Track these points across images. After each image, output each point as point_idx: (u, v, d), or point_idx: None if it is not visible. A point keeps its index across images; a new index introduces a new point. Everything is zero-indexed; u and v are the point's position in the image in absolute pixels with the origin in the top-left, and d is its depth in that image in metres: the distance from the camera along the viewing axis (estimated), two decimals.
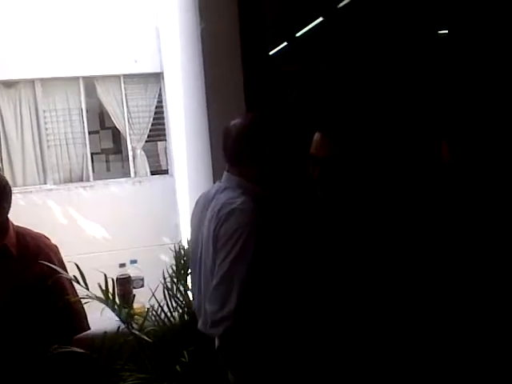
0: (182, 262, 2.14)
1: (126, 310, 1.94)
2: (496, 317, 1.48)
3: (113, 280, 1.92)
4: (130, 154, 6.87)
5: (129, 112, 6.80)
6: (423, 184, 1.68)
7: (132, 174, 6.88)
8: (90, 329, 1.93)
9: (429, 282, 1.50)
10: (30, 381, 1.76)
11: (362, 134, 1.60)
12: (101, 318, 1.96)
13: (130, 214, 6.32)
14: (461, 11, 3.61)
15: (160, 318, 1.98)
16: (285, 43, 4.15)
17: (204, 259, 1.57)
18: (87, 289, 1.80)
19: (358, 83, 3.69)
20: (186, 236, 2.07)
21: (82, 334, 1.90)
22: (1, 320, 1.74)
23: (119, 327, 1.91)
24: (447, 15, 3.76)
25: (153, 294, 2.00)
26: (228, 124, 1.61)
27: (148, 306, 2.04)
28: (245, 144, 1.56)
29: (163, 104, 6.77)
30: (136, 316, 1.99)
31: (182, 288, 2.08)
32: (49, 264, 1.77)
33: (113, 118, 6.79)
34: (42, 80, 6.48)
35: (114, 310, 1.89)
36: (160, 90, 6.79)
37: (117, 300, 1.92)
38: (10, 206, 1.85)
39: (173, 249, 2.17)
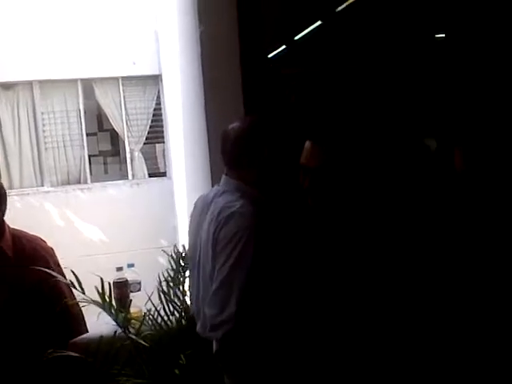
0: (180, 265, 2.13)
1: (123, 314, 1.92)
2: (496, 317, 1.47)
3: (109, 284, 1.90)
4: (128, 156, 6.85)
5: (127, 114, 6.79)
6: (434, 192, 1.67)
7: (130, 177, 6.86)
8: (87, 332, 1.92)
9: (428, 292, 1.49)
10: None
11: (353, 142, 1.57)
12: (97, 323, 1.95)
13: (127, 217, 6.30)
14: (463, 14, 3.60)
15: (157, 322, 1.97)
16: (283, 46, 4.15)
17: (203, 263, 1.57)
18: (83, 293, 1.79)
19: (353, 89, 3.68)
20: (183, 239, 2.06)
21: (77, 338, 1.89)
22: None
23: (116, 331, 1.89)
24: (451, 18, 3.75)
25: (149, 298, 1.99)
26: (226, 127, 1.60)
27: (145, 310, 2.02)
28: (243, 147, 1.56)
29: (162, 106, 6.76)
30: (133, 320, 1.97)
31: (178, 292, 2.07)
32: (46, 270, 1.75)
33: (111, 120, 6.78)
34: (41, 82, 6.46)
35: (110, 314, 1.87)
36: (158, 92, 6.78)
37: (114, 304, 1.91)
38: (5, 209, 1.83)
39: (169, 252, 2.16)
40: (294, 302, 1.49)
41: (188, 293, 1.95)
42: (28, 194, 6.45)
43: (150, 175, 6.94)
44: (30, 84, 6.46)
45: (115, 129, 6.82)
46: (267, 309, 1.43)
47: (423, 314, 1.49)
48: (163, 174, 6.93)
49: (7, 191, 1.88)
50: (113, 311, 1.87)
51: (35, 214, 6.17)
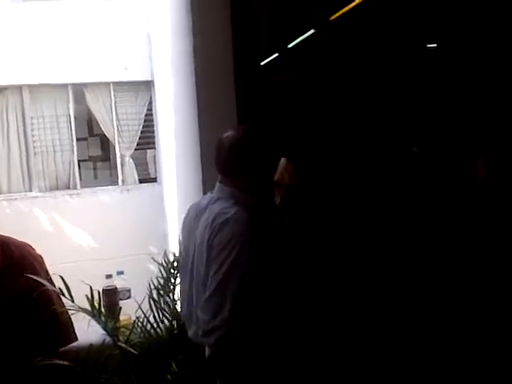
0: (170, 273, 2.11)
1: (112, 322, 1.90)
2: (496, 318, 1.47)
3: (98, 292, 1.88)
4: (119, 161, 6.81)
5: (118, 119, 6.75)
6: (456, 200, 1.67)
7: (120, 182, 6.81)
8: (77, 340, 1.90)
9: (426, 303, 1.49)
10: None
11: (329, 159, 1.54)
12: (86, 331, 1.92)
13: (117, 223, 6.26)
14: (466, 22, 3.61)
15: (146, 330, 1.95)
16: (277, 54, 4.17)
17: (196, 269, 1.57)
18: (72, 301, 1.76)
19: (342, 100, 3.69)
20: (173, 245, 2.05)
21: (67, 347, 1.86)
22: None
23: (104, 340, 1.87)
24: (452, 27, 3.77)
25: (139, 306, 1.97)
26: (221, 136, 1.62)
27: (134, 317, 2.00)
28: (236, 155, 1.57)
29: (153, 112, 6.74)
30: (122, 328, 1.95)
31: (169, 300, 2.05)
32: (35, 277, 1.73)
33: (101, 125, 6.74)
34: (30, 86, 6.41)
35: (99, 322, 1.85)
36: (150, 98, 6.76)
37: (103, 311, 1.88)
38: None
39: (159, 259, 2.15)
40: (286, 308, 1.49)
41: (178, 300, 1.94)
42: (16, 199, 6.38)
43: (141, 181, 6.90)
44: (19, 88, 6.41)
45: (106, 134, 6.78)
46: (260, 314, 1.44)
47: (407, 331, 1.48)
48: (154, 180, 6.90)
49: None
50: (102, 319, 1.85)
51: (23, 219, 6.10)
